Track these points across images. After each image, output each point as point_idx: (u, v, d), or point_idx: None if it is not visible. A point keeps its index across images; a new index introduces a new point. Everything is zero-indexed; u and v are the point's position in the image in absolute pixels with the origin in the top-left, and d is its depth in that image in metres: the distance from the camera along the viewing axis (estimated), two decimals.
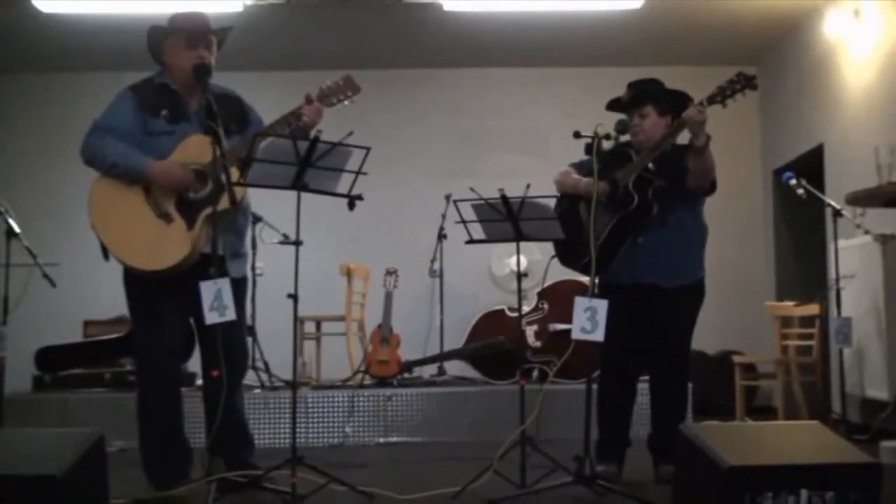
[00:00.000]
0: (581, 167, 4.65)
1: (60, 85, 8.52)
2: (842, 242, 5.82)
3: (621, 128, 4.29)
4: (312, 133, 3.90)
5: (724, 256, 8.36)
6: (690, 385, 6.16)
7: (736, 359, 6.93)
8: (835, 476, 3.09)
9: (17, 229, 5.11)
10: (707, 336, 7.72)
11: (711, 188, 4.49)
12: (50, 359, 6.68)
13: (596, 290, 4.03)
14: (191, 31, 4.20)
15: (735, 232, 8.60)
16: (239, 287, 4.17)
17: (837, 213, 5.64)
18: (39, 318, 6.63)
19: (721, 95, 4.26)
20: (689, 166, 4.37)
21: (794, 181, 5.84)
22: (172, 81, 4.24)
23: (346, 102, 4.23)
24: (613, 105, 4.63)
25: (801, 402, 6.57)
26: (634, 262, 4.44)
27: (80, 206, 4.15)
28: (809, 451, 3.28)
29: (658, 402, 4.64)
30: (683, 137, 4.36)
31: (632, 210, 4.36)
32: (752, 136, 8.77)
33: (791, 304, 6.86)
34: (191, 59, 4.14)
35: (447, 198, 6.86)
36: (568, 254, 4.62)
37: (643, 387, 4.72)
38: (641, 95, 4.53)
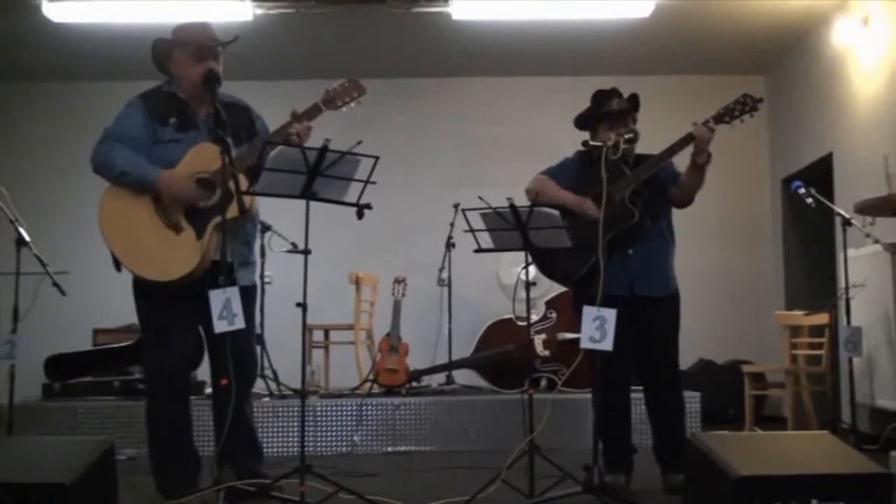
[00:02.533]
0: (555, 175, 4.65)
1: (70, 94, 8.55)
2: (851, 251, 5.81)
3: (631, 138, 4.30)
4: (321, 141, 3.90)
5: (733, 265, 8.39)
6: (699, 394, 6.20)
7: (745, 368, 6.91)
8: (845, 486, 3.08)
9: (27, 238, 5.13)
10: (716, 345, 7.77)
11: (691, 201, 4.51)
12: (59, 367, 6.70)
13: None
14: (199, 43, 4.21)
15: (744, 241, 8.59)
16: (248, 295, 4.16)
17: (847, 222, 5.63)
18: (49, 326, 6.64)
19: (729, 116, 4.28)
20: (682, 179, 4.38)
21: (802, 190, 5.83)
22: (180, 91, 4.25)
23: (352, 104, 4.23)
24: (582, 122, 4.65)
25: (810, 411, 6.55)
26: (628, 273, 4.45)
27: (89, 214, 4.16)
28: (819, 461, 3.27)
29: (657, 411, 4.63)
30: (649, 147, 4.36)
31: (632, 224, 4.36)
32: (760, 145, 8.75)
33: (800, 313, 6.85)
34: (199, 70, 4.15)
35: (455, 206, 6.86)
36: (553, 266, 4.62)
37: (637, 395, 4.70)
38: (626, 109, 4.54)
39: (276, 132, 4.12)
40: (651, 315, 4.48)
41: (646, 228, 4.42)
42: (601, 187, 4.13)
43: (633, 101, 4.58)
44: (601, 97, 4.62)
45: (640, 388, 4.67)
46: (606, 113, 4.57)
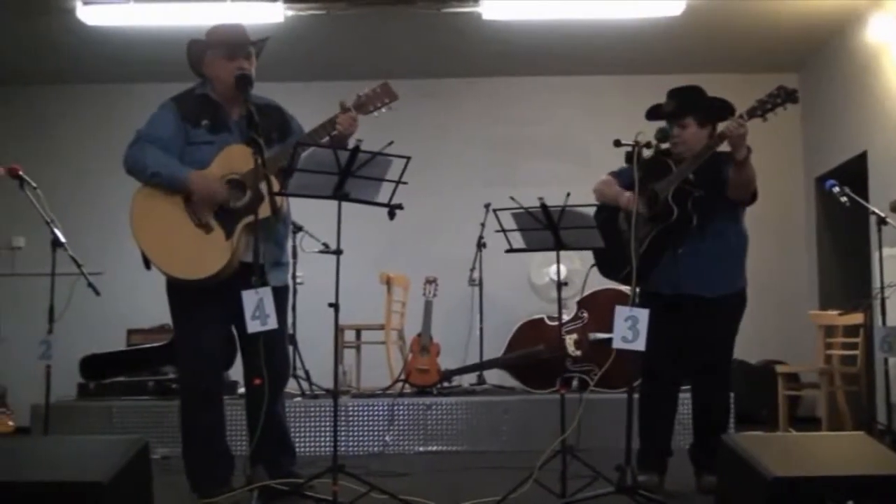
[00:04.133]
0: (621, 176, 4.64)
1: (104, 96, 8.63)
2: (886, 251, 5.74)
3: (661, 136, 4.27)
4: (352, 142, 3.92)
5: (767, 265, 8.28)
6: (732, 394, 6.14)
7: (779, 368, 6.86)
8: (880, 487, 3.06)
9: (62, 239, 5.17)
10: (749, 345, 7.64)
11: (752, 198, 4.45)
12: (94, 367, 6.77)
13: (637, 300, 4.01)
14: (230, 43, 4.24)
15: (777, 240, 8.51)
16: (280, 296, 4.18)
17: (882, 221, 5.57)
18: (84, 326, 6.69)
19: (761, 109, 4.21)
20: (729, 177, 4.33)
21: (837, 189, 5.77)
22: (213, 92, 4.28)
23: (383, 110, 4.24)
24: (653, 114, 4.61)
25: (845, 412, 6.49)
26: (675, 272, 4.41)
27: (123, 215, 4.20)
28: (854, 462, 3.24)
29: (700, 413, 4.61)
30: (724, 145, 4.34)
31: (672, 222, 4.33)
32: (794, 144, 8.68)
33: (835, 313, 6.79)
34: (231, 70, 4.17)
35: (486, 206, 6.86)
36: (607, 264, 4.61)
37: (685, 396, 4.69)
38: (683, 106, 4.51)
39: (322, 124, 4.14)
40: (698, 315, 4.43)
41: (694, 227, 4.37)
42: (646, 187, 4.20)
43: (684, 103, 4.53)
44: (668, 96, 4.61)
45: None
46: (658, 112, 4.58)
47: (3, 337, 7.93)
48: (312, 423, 6.25)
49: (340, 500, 3.78)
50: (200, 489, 4.17)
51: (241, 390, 5.42)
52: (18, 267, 8.43)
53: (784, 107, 4.22)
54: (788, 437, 4.54)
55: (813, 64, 8.33)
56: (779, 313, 8.21)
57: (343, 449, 6.02)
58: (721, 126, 4.27)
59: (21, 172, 5.10)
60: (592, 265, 4.68)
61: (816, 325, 6.92)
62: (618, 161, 4.46)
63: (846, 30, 7.60)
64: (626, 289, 4.57)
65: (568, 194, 4.20)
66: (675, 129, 4.45)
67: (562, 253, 4.42)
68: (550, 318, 6.79)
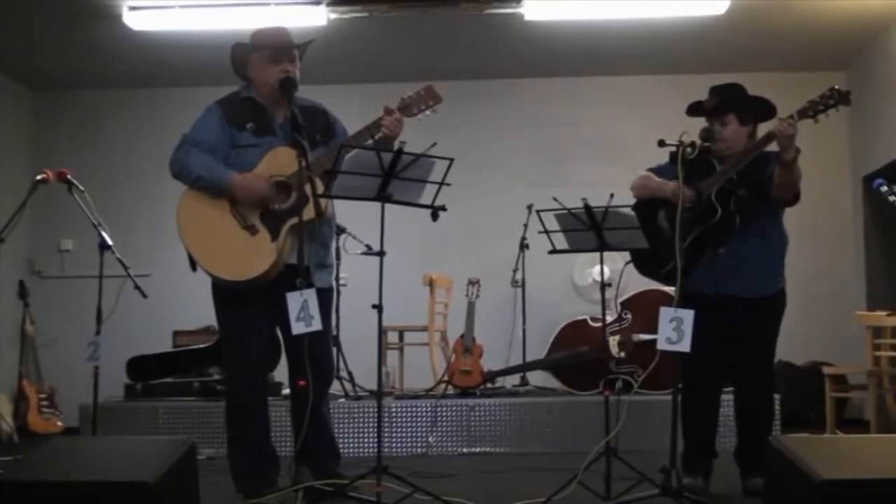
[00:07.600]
0: (660, 173, 4.61)
1: (150, 100, 8.71)
2: None
3: (707, 136, 4.24)
4: (396, 144, 3.93)
5: (813, 265, 8.21)
6: (778, 396, 6.08)
7: (826, 370, 6.79)
8: None
9: (109, 242, 5.22)
10: (796, 346, 7.61)
11: (794, 199, 4.41)
12: (141, 368, 6.84)
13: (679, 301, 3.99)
14: (275, 46, 4.27)
15: (824, 240, 8.41)
16: (325, 298, 4.20)
17: None
18: (131, 327, 6.76)
19: (813, 110, 4.17)
20: (774, 177, 4.29)
21: (885, 188, 5.67)
22: (258, 95, 4.32)
23: (427, 113, 4.24)
24: (694, 110, 4.58)
25: (894, 414, 6.40)
26: (716, 272, 4.38)
27: (170, 218, 4.24)
28: None
29: (744, 414, 4.57)
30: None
31: (714, 222, 4.30)
32: (840, 142, 8.56)
33: (883, 313, 6.69)
34: (276, 73, 4.21)
35: (529, 208, 6.84)
36: (646, 263, 4.58)
37: (728, 398, 4.65)
38: (725, 104, 4.47)
39: (367, 127, 4.16)
40: (739, 316, 4.40)
41: (736, 227, 4.33)
42: (693, 184, 4.20)
43: (726, 100, 4.49)
44: (710, 92, 4.57)
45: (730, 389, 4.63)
46: (699, 108, 4.55)
47: (52, 338, 8.05)
48: (356, 425, 6.28)
49: (384, 501, 3.79)
50: (246, 489, 4.19)
51: (286, 391, 5.45)
52: (67, 269, 8.54)
53: (836, 108, 4.18)
54: (838, 439, 4.48)
55: (860, 62, 8.22)
56: (826, 314, 8.11)
57: (387, 450, 6.04)
58: (771, 126, 4.23)
59: (69, 176, 5.17)
60: (628, 262, 4.65)
61: (864, 326, 6.82)
62: (663, 161, 4.44)
63: (894, 26, 7.48)
64: (669, 289, 4.53)
65: (612, 195, 4.18)
66: (715, 125, 4.42)
67: (605, 254, 4.40)
68: (594, 320, 6.76)
